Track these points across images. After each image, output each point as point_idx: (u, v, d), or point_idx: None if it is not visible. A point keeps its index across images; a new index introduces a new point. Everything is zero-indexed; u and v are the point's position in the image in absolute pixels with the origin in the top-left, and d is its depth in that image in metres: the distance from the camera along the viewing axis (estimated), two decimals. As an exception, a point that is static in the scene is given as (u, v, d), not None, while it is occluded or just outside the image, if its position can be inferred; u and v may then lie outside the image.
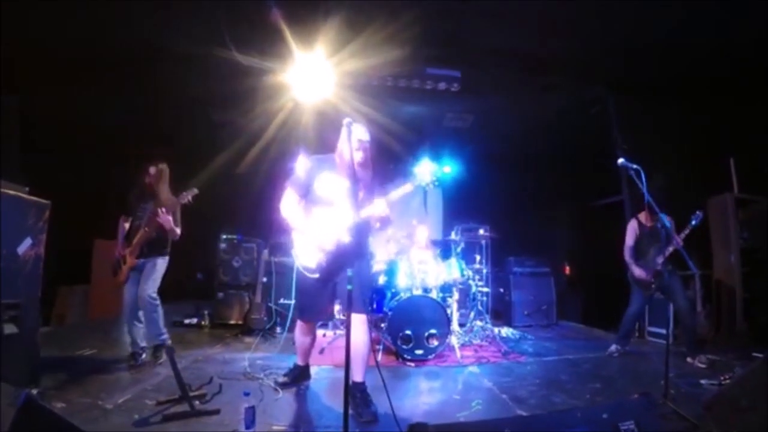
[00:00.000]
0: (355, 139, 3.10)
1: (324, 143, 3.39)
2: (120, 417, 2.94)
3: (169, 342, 4.32)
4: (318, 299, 3.31)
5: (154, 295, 4.23)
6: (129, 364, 4.06)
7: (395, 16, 4.57)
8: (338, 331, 5.44)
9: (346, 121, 2.73)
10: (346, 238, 3.01)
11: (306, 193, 3.31)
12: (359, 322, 3.07)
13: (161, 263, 4.34)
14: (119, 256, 4.24)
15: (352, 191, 2.81)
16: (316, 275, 3.22)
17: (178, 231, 4.31)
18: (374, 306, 5.13)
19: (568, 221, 7.77)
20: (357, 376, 3.18)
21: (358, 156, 3.18)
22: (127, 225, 4.36)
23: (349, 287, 2.34)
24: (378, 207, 3.11)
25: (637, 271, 4.77)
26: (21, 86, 4.77)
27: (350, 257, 2.99)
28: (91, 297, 6.50)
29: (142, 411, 3.02)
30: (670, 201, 4.95)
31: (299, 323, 3.58)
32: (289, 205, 3.27)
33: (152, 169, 4.33)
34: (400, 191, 3.10)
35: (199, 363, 4.34)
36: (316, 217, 3.23)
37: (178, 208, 4.27)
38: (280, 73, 5.26)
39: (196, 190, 4.24)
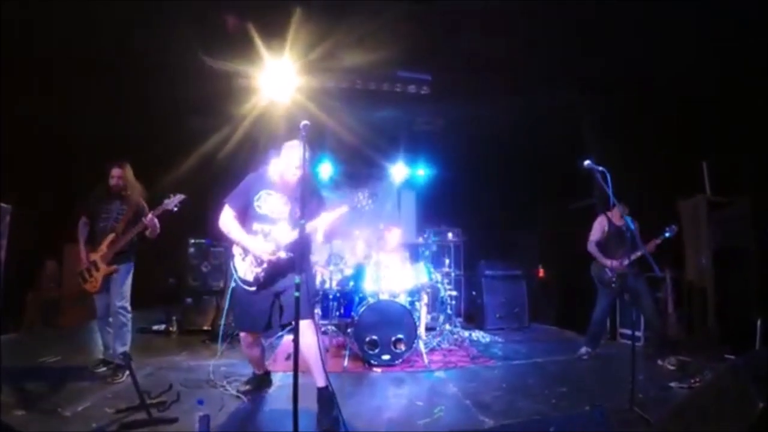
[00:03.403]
0: (295, 156, 3.11)
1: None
2: (78, 425, 2.92)
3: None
4: (254, 308, 3.30)
5: (128, 306, 4.10)
6: (98, 369, 4.01)
7: (368, 19, 4.56)
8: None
9: (303, 123, 2.71)
10: (283, 254, 3.14)
11: (244, 209, 3.37)
12: (305, 327, 3.06)
13: (129, 270, 4.17)
14: (88, 263, 4.03)
15: (292, 206, 2.84)
16: (253, 288, 3.27)
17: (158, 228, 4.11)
18: (342, 311, 5.10)
19: (543, 224, 7.76)
20: (319, 381, 3.16)
21: (298, 173, 3.15)
22: (87, 228, 4.18)
23: (296, 294, 2.34)
24: (323, 221, 3.19)
25: (608, 262, 4.76)
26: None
27: (289, 271, 3.15)
28: (61, 304, 6.38)
29: (101, 419, 2.99)
30: (642, 203, 5.00)
31: (243, 336, 3.54)
32: (226, 221, 3.33)
33: (116, 171, 4.13)
34: (335, 213, 3.21)
35: (163, 370, 4.28)
36: (255, 232, 3.28)
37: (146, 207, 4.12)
38: (249, 77, 5.25)
39: (182, 196, 4.02)
